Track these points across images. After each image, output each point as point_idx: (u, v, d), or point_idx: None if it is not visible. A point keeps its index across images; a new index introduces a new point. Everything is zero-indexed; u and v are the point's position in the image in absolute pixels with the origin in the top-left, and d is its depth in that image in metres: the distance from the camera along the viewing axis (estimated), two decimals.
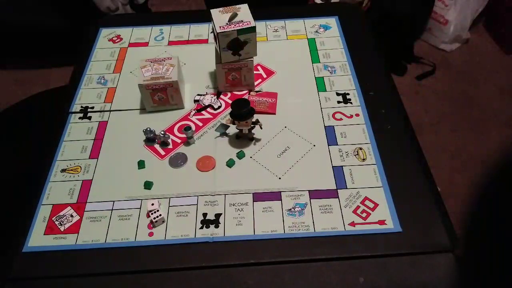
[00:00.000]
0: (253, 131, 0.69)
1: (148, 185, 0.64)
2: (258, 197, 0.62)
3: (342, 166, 0.65)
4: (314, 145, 0.68)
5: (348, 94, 0.76)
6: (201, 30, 0.91)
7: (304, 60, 0.83)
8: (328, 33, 0.89)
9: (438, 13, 1.75)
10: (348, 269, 0.55)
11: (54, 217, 0.61)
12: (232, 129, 0.70)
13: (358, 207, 0.60)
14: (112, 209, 0.62)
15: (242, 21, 0.68)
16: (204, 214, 0.60)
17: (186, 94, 0.77)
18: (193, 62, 0.83)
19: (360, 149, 0.67)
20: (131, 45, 0.89)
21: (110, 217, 0.61)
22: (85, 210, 0.62)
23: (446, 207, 0.61)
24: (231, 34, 0.67)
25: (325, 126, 0.71)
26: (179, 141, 0.70)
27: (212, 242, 0.58)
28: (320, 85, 0.78)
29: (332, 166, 0.65)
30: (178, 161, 0.67)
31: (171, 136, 0.70)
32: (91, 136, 0.71)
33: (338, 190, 0.62)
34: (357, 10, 1.16)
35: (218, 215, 0.60)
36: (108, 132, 0.72)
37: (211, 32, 0.89)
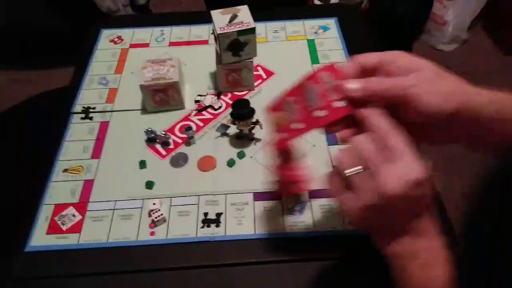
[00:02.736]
0: (253, 131, 0.69)
1: (149, 184, 0.64)
2: (259, 196, 0.62)
3: None
4: (314, 145, 0.69)
5: None
6: (201, 31, 0.92)
7: (304, 61, 0.83)
8: (328, 34, 0.89)
9: (436, 13, 1.76)
10: (348, 269, 0.56)
11: (56, 217, 0.61)
12: (233, 129, 0.70)
13: None
14: (114, 209, 0.62)
15: (242, 22, 0.68)
16: (205, 214, 0.61)
17: (187, 95, 0.77)
18: (193, 63, 0.84)
19: None
20: (132, 46, 0.89)
21: (112, 217, 0.61)
22: (87, 209, 0.62)
23: (446, 207, 0.61)
24: (231, 35, 0.68)
25: None
26: (180, 141, 0.70)
27: (213, 241, 0.58)
28: None
29: (332, 166, 0.66)
30: (179, 161, 0.68)
31: (172, 136, 0.71)
32: (93, 136, 0.72)
33: None
34: (356, 11, 1.17)
35: (219, 215, 0.61)
36: (110, 132, 0.72)
37: (212, 33, 0.89)
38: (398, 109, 0.39)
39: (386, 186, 0.34)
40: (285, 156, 0.51)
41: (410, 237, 0.38)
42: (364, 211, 0.37)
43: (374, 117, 0.38)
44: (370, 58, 0.40)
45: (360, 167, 0.37)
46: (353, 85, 0.38)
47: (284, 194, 0.61)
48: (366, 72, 0.40)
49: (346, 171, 0.38)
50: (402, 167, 0.34)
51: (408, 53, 0.39)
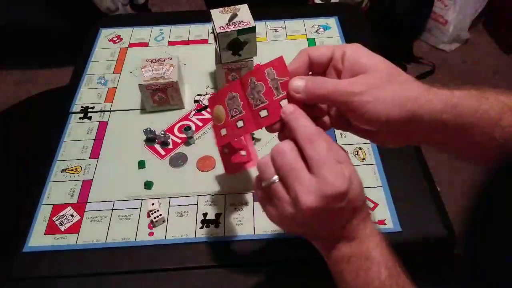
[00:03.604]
0: None
1: (148, 185, 0.64)
2: None
3: None
4: None
5: None
6: (201, 30, 0.91)
7: None
8: (328, 33, 0.89)
9: (437, 13, 1.75)
10: None
11: (55, 217, 0.61)
12: None
13: None
14: (112, 209, 0.62)
15: (242, 21, 0.68)
16: (204, 214, 0.61)
17: (186, 94, 0.77)
18: (193, 62, 0.83)
19: (360, 149, 0.67)
20: (131, 45, 0.89)
21: (111, 217, 0.61)
22: (86, 210, 0.62)
23: (446, 207, 0.61)
24: (231, 34, 0.67)
25: None
26: (179, 141, 0.70)
27: (212, 242, 0.58)
28: None
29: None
30: (178, 161, 0.67)
31: (171, 136, 0.70)
32: (92, 136, 0.72)
33: None
34: (356, 11, 1.17)
35: (218, 215, 0.60)
36: (109, 132, 0.72)
37: (211, 33, 0.89)
38: (347, 113, 0.35)
39: (301, 201, 0.33)
40: (229, 148, 0.51)
41: (342, 242, 0.37)
42: (285, 222, 0.37)
43: (294, 122, 0.35)
44: (321, 52, 0.36)
45: (276, 177, 0.35)
46: (297, 84, 0.35)
47: (230, 171, 0.57)
48: (318, 67, 0.37)
49: (263, 183, 0.36)
50: (319, 181, 0.32)
51: (363, 47, 0.36)
